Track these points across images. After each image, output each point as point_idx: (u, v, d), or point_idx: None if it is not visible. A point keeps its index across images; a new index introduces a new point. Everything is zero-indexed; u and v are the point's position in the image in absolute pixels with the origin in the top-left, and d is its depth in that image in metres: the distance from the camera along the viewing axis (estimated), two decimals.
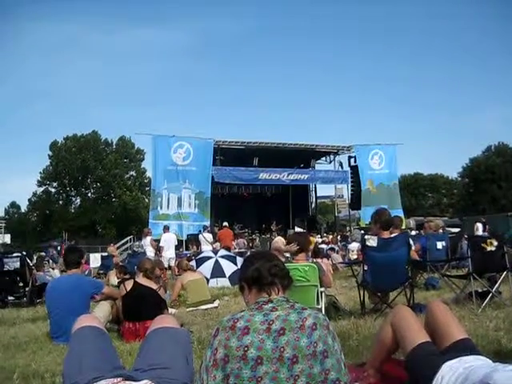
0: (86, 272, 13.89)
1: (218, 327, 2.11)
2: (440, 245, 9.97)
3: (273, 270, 2.34)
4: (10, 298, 9.21)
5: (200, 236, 16.71)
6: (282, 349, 1.98)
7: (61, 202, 50.65)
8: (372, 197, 24.44)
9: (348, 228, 26.77)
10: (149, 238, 15.31)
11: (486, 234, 14.40)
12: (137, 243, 15.65)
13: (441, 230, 12.72)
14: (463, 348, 2.32)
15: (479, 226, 17.59)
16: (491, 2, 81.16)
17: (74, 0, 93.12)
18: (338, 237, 21.87)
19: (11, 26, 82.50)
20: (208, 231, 17.32)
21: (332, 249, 17.07)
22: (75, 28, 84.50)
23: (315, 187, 29.16)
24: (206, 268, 11.11)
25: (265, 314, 2.10)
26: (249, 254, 11.03)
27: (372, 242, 5.81)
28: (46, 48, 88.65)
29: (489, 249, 6.29)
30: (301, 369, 1.96)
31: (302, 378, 1.95)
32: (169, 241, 14.91)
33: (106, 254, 18.22)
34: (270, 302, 2.19)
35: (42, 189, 50.15)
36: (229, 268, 11.25)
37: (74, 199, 51.73)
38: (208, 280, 10.28)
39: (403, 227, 10.04)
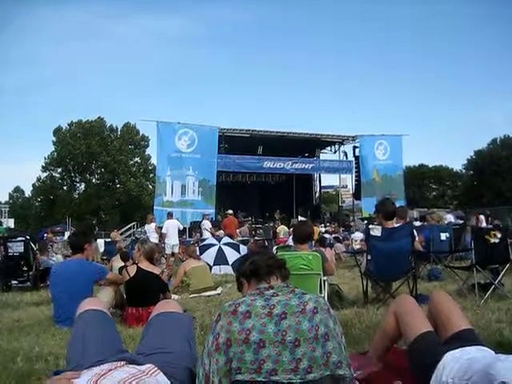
0: (90, 258, 13.92)
1: (220, 312, 2.12)
2: (444, 236, 9.97)
3: (269, 261, 2.35)
4: (13, 282, 9.26)
5: (201, 224, 16.78)
6: (283, 332, 1.99)
7: (65, 188, 50.69)
8: (376, 187, 24.40)
9: (352, 218, 26.77)
10: (153, 225, 15.34)
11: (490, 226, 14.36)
12: (139, 229, 15.69)
13: (446, 221, 12.72)
14: (466, 338, 2.32)
15: (482, 218, 17.56)
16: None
17: None
18: (341, 228, 21.89)
19: (17, 11, 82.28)
20: (207, 219, 17.37)
21: (337, 238, 17.10)
22: (83, 15, 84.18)
23: (319, 177, 29.23)
24: (210, 255, 11.15)
25: (266, 299, 2.11)
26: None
27: (376, 231, 5.82)
28: (53, 34, 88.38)
29: (492, 241, 6.27)
30: (303, 352, 1.96)
31: (304, 361, 1.96)
32: (172, 227, 14.91)
33: (109, 239, 18.28)
34: (270, 287, 2.20)
35: (46, 174, 50.21)
36: (232, 255, 11.28)
37: (78, 185, 51.75)
38: (211, 267, 10.33)
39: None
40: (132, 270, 5.49)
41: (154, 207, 21.30)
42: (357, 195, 25.92)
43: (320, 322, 2.03)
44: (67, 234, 23.83)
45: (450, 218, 15.42)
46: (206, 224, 16.53)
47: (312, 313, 2.04)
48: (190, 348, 2.40)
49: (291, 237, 8.90)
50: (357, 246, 14.08)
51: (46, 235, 19.18)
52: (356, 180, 25.47)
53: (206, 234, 15.64)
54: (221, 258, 11.24)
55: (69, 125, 48.84)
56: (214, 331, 2.08)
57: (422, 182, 53.32)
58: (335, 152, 27.34)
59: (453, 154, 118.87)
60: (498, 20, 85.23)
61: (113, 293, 5.57)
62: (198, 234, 17.49)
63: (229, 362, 1.98)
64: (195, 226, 19.24)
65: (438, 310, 2.56)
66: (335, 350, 2.01)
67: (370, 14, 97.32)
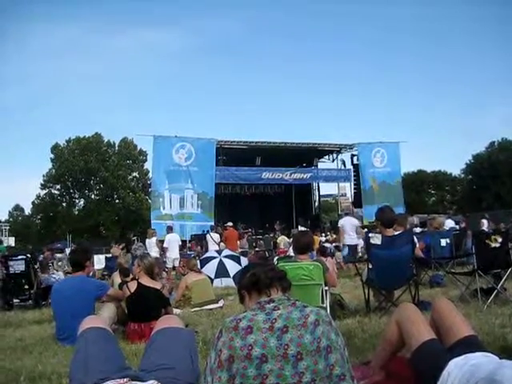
0: (90, 273, 13.87)
1: (222, 328, 2.11)
2: (444, 242, 9.98)
3: (270, 273, 2.35)
4: (15, 300, 9.23)
5: (207, 236, 16.69)
6: (286, 346, 1.99)
7: (64, 204, 50.74)
8: (374, 195, 24.42)
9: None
10: (154, 239, 15.28)
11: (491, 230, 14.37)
12: (135, 246, 15.47)
13: (446, 227, 12.73)
14: (469, 345, 2.31)
15: (484, 222, 17.58)
16: (490, 2, 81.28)
17: (76, 2, 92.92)
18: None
19: (13, 28, 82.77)
20: (216, 231, 17.31)
21: (337, 247, 17.06)
22: (77, 30, 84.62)
23: (318, 186, 29.18)
24: (211, 268, 11.12)
25: (267, 313, 2.10)
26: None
27: (376, 239, 5.81)
28: (48, 50, 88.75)
29: (493, 245, 6.27)
30: (306, 365, 1.96)
31: (307, 375, 1.95)
32: (173, 241, 14.91)
33: (110, 255, 18.25)
34: (271, 301, 2.19)
35: (45, 191, 50.27)
36: (233, 268, 11.25)
37: (77, 201, 51.90)
38: (212, 280, 10.30)
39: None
40: (132, 286, 5.47)
41: (152, 221, 21.26)
42: (356, 203, 25.90)
43: (322, 335, 2.02)
44: (68, 251, 23.76)
45: (449, 223, 15.45)
46: (215, 236, 16.45)
47: (314, 325, 2.04)
48: (193, 363, 2.40)
49: (292, 247, 8.91)
50: (358, 255, 14.06)
51: (42, 255, 18.85)
52: (355, 188, 25.47)
53: (213, 247, 15.45)
54: (222, 271, 11.22)
55: (66, 141, 49.06)
56: (215, 348, 2.08)
57: (421, 188, 53.36)
58: (333, 161, 27.36)
59: (451, 159, 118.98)
60: (493, 24, 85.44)
61: (115, 309, 5.55)
62: (199, 247, 17.41)
63: (231, 379, 1.98)
64: (195, 239, 19.19)
65: (440, 317, 2.56)
66: (338, 362, 2.00)
67: (366, 26, 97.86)
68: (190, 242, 19.73)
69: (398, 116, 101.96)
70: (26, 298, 9.24)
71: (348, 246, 13.35)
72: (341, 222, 13.33)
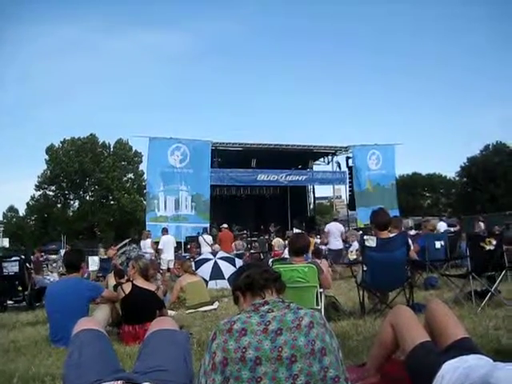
0: (85, 275, 13.84)
1: (216, 331, 2.11)
2: (438, 244, 9.99)
3: (264, 275, 2.35)
4: (9, 302, 9.20)
5: (200, 238, 16.67)
6: (280, 348, 1.98)
7: (59, 206, 50.51)
8: (369, 197, 24.42)
9: (346, 228, 26.69)
10: (149, 241, 15.29)
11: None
12: (129, 248, 15.39)
13: (442, 230, 12.77)
14: (463, 347, 2.32)
15: (481, 224, 17.59)
16: (489, 2, 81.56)
17: (73, 2, 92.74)
18: None
19: (10, 28, 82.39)
20: (210, 233, 17.29)
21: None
22: (73, 31, 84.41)
23: (313, 188, 29.20)
24: (205, 270, 11.12)
25: (261, 316, 2.10)
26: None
27: (371, 242, 5.82)
28: (44, 51, 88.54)
29: (488, 248, 6.29)
30: (300, 368, 1.96)
31: (301, 377, 1.95)
32: (168, 243, 14.89)
33: (105, 256, 18.22)
34: (265, 303, 2.19)
35: (39, 192, 50.07)
36: (228, 269, 11.24)
37: (72, 202, 51.66)
38: (207, 282, 10.30)
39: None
40: (127, 288, 5.46)
41: (147, 223, 21.19)
42: (351, 206, 25.92)
43: (316, 337, 2.02)
44: (62, 252, 23.69)
45: (442, 225, 15.48)
46: (207, 238, 16.43)
47: (308, 328, 2.03)
48: (186, 365, 2.39)
49: (287, 249, 8.92)
50: (353, 257, 14.11)
51: (32, 256, 18.73)
52: (350, 190, 25.48)
53: (206, 249, 15.44)
54: (217, 273, 11.21)
55: (61, 142, 48.81)
56: (210, 350, 2.08)
57: (416, 191, 53.41)
58: (328, 163, 27.35)
59: (446, 162, 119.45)
60: (490, 28, 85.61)
61: (109, 311, 5.53)
62: (194, 249, 17.39)
63: (225, 382, 1.97)
64: (190, 241, 19.15)
65: (434, 319, 2.56)
66: (332, 364, 2.00)
67: (363, 29, 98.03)
68: (186, 244, 19.69)
69: (394, 118, 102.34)
70: (19, 299, 9.21)
71: (332, 250, 14.10)
72: (327, 227, 14.49)
